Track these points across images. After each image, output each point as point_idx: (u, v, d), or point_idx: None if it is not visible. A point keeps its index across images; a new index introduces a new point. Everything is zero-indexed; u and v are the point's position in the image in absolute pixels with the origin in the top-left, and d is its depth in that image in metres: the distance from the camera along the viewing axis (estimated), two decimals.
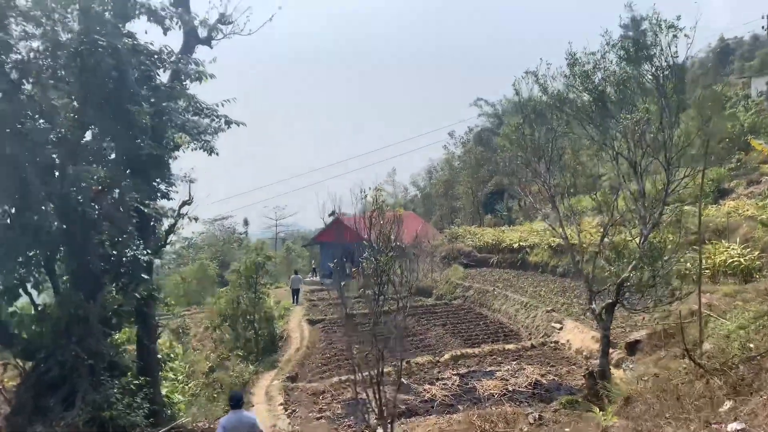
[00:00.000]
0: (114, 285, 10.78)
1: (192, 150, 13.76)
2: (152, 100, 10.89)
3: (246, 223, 70.27)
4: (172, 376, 17.89)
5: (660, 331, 16.70)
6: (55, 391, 9.69)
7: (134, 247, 10.30)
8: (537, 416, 9.53)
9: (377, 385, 8.56)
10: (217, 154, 13.94)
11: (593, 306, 9.94)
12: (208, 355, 19.12)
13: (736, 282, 19.49)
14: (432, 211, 74.65)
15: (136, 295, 10.70)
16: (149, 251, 10.94)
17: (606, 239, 10.52)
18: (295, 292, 30.68)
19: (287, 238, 67.26)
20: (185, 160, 13.76)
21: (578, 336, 20.84)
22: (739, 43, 77.84)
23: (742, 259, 20.34)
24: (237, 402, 8.73)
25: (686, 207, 11.18)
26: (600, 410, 9.52)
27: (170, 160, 13.38)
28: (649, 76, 9.82)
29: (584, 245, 11.27)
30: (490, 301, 28.60)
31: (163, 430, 10.25)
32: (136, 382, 10.27)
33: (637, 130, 9.37)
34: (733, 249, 21.05)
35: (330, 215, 8.18)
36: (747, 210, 24.20)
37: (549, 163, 10.77)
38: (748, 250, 20.93)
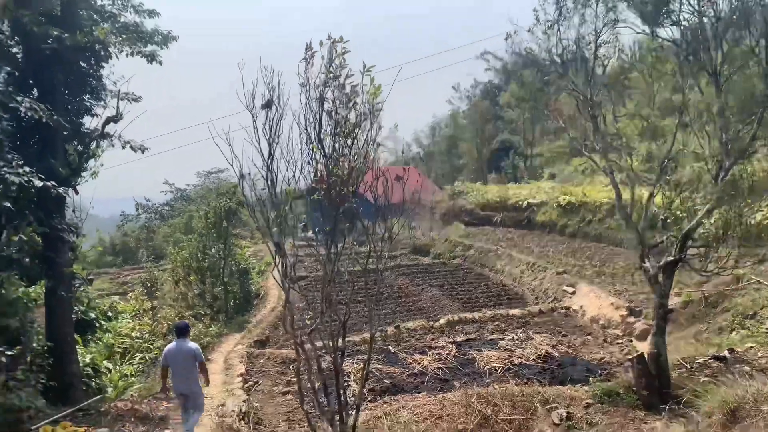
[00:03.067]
0: None
1: (126, 55, 10.79)
2: None
3: (242, 176, 67.30)
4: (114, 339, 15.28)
5: (699, 299, 14.13)
6: None
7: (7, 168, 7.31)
8: (563, 414, 6.97)
9: (336, 362, 5.98)
10: (160, 63, 10.98)
11: (646, 265, 7.25)
12: (167, 314, 16.62)
13: None
14: (434, 169, 71.71)
15: (23, 236, 7.83)
16: (44, 179, 7.96)
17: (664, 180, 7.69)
18: (278, 246, 29.35)
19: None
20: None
21: (594, 302, 18.28)
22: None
23: None
24: (180, 331, 8.89)
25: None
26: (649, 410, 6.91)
27: (97, 67, 10.46)
28: None
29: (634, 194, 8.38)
30: (492, 261, 26.01)
31: (58, 415, 7.59)
32: (9, 352, 7.48)
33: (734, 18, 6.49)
34: None
35: (264, 107, 5.16)
36: None
37: (591, 72, 7.85)
38: None
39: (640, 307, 16.53)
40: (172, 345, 8.87)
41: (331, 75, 4.89)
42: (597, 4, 7.96)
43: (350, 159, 5.07)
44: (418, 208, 36.85)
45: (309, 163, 5.26)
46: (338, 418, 5.76)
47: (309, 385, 6.03)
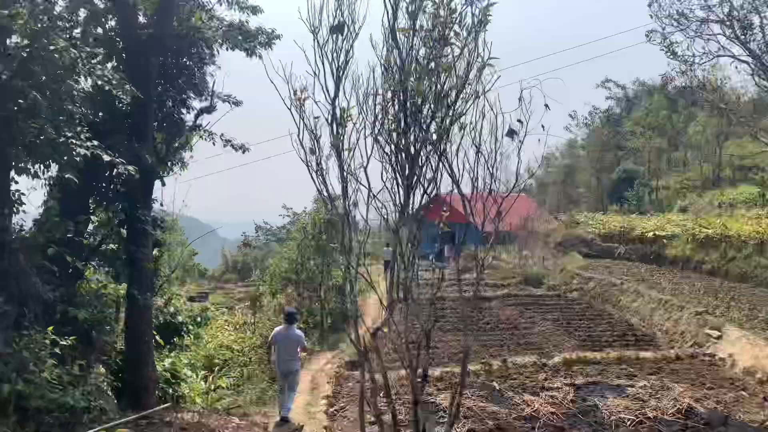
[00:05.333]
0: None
1: (227, 49, 10.28)
2: None
3: (355, 204, 68.44)
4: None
5: None
6: None
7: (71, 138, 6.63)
8: None
9: (415, 387, 4.66)
10: (260, 57, 10.37)
11: None
12: (263, 325, 16.02)
13: None
14: (548, 199, 68.48)
15: (96, 219, 7.23)
16: (112, 155, 7.28)
17: None
18: (387, 264, 29.38)
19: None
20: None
21: (747, 350, 15.17)
22: None
23: None
24: (289, 317, 9.63)
25: None
26: None
27: (201, 65, 10.02)
28: None
29: None
30: (616, 296, 23.15)
31: (119, 421, 6.79)
32: (63, 342, 6.78)
33: None
34: None
35: (334, 30, 3.83)
36: None
37: None
38: None
39: None
40: (281, 328, 9.56)
41: None
42: None
43: (438, 73, 3.63)
44: (529, 235, 34.47)
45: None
46: None
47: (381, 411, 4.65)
